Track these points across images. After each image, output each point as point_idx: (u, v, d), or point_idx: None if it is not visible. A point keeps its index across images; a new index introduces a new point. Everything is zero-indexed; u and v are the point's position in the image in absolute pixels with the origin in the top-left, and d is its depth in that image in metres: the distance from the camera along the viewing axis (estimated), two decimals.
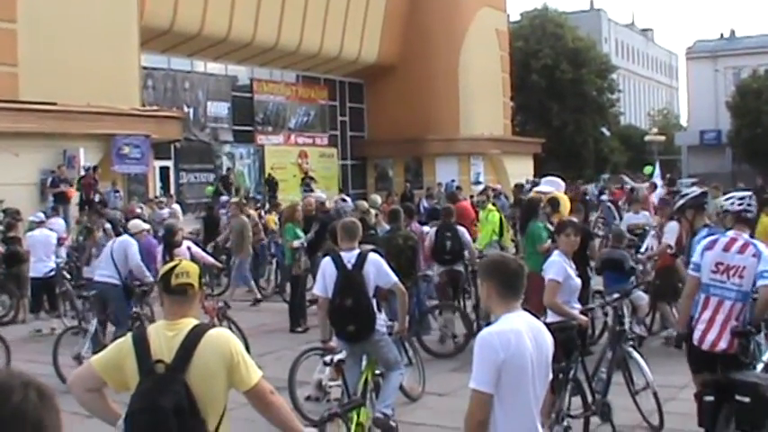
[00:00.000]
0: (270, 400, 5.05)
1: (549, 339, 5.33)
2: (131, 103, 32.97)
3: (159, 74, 38.59)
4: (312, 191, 32.81)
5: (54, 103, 28.70)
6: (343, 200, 23.12)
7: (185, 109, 38.60)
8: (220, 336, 5.04)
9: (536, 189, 16.57)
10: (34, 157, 28.70)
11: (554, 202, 15.04)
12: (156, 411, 4.69)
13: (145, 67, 36.37)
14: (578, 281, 9.86)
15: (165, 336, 4.96)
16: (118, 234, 17.14)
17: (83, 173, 28.84)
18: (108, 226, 20.06)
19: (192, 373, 4.82)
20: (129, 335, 5.17)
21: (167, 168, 37.61)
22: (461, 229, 16.25)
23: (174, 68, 39.63)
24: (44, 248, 18.05)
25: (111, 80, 31.21)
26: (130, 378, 4.92)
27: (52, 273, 17.85)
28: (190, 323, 5.01)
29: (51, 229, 19.43)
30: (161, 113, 34.95)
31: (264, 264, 23.67)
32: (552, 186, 16.04)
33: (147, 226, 17.52)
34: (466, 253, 15.97)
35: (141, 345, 4.94)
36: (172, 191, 35.56)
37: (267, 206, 29.42)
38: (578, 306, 9.85)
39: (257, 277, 22.81)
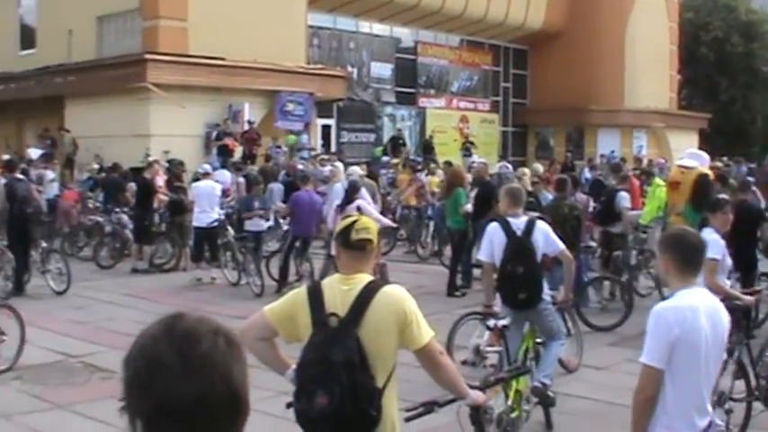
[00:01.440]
0: (439, 360, 5.00)
1: (725, 319, 5.15)
2: (297, 61, 33.28)
3: (325, 33, 38.80)
4: (471, 156, 32.61)
5: (222, 58, 29.19)
6: (506, 167, 22.81)
7: (349, 69, 38.70)
8: (395, 293, 4.96)
9: (679, 163, 16.00)
10: (200, 110, 29.31)
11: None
12: (327, 364, 4.68)
13: (311, 26, 36.60)
14: (729, 260, 9.49)
15: (339, 290, 4.93)
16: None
17: (246, 127, 29.29)
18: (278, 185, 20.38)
19: (364, 329, 4.78)
20: (304, 286, 5.18)
21: (329, 127, 37.80)
22: (623, 194, 16.18)
23: (339, 28, 39.77)
24: (208, 199, 18.32)
25: (277, 37, 31.55)
26: (303, 330, 4.91)
27: (215, 224, 18.11)
28: (365, 278, 4.97)
29: (217, 182, 19.70)
30: (326, 72, 35.05)
31: (422, 226, 23.54)
32: (697, 161, 15.43)
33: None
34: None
35: (315, 297, 4.93)
36: (333, 149, 35.77)
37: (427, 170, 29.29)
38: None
39: (417, 239, 22.78)
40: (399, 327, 4.84)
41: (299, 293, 5.08)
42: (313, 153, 30.72)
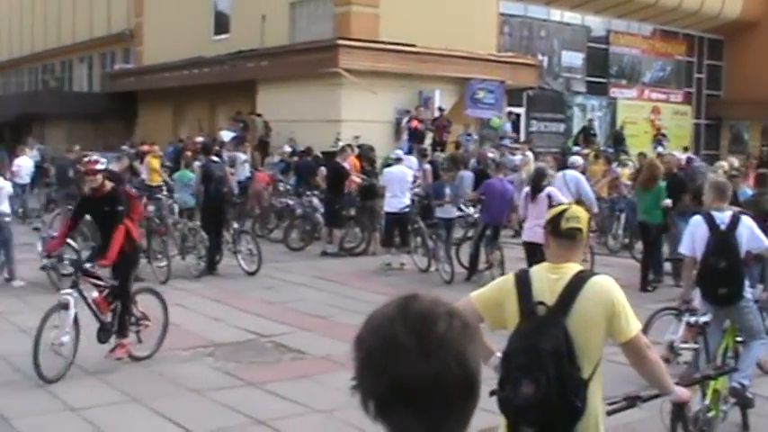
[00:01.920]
0: (645, 354, 4.85)
1: None
2: (487, 49, 33.00)
3: (516, 21, 38.34)
4: (663, 148, 31.72)
5: (412, 45, 29.14)
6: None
7: (540, 57, 38.14)
8: (604, 283, 4.81)
9: None
10: (391, 96, 29.35)
11: None
12: (535, 353, 4.58)
13: (502, 14, 36.28)
14: None
15: (548, 278, 4.84)
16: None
17: (437, 114, 29.21)
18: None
19: (572, 319, 4.67)
20: (512, 274, 5.05)
21: (518, 115, 37.37)
22: None
23: (530, 16, 39.22)
24: (400, 185, 18.27)
25: (468, 25, 31.35)
26: (509, 317, 4.81)
27: (406, 209, 18.04)
28: (574, 268, 4.85)
29: (410, 167, 19.66)
30: (516, 60, 34.59)
31: (613, 218, 22.92)
32: None
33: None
34: None
35: (524, 285, 4.84)
36: (522, 138, 35.33)
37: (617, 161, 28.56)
38: None
39: (608, 230, 22.21)
40: (607, 318, 4.71)
41: (506, 281, 5.00)
42: (510, 142, 30.27)
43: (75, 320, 10.26)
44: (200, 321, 13.21)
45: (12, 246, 16.02)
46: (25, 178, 25.54)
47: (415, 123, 28.23)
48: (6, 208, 16.04)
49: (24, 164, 26.12)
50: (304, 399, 9.47)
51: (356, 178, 20.44)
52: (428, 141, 28.16)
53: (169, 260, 16.30)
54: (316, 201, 20.79)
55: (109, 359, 10.62)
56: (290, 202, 21.83)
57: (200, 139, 24.91)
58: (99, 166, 10.84)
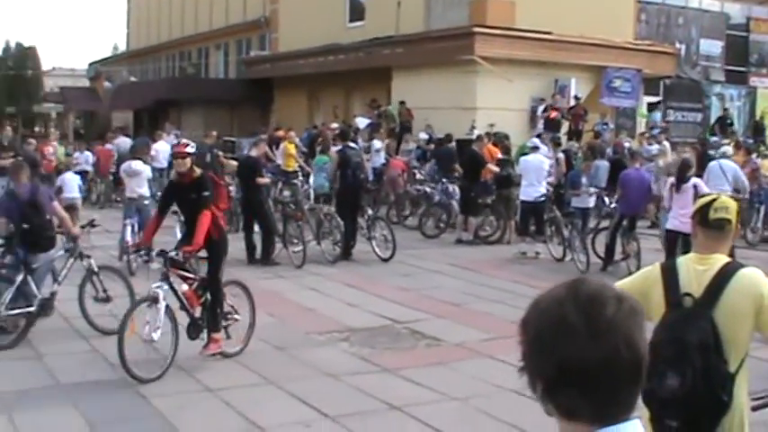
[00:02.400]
0: None
1: None
2: (624, 36, 32.45)
3: (653, 8, 37.60)
4: None
5: (549, 33, 28.80)
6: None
7: (677, 45, 37.31)
8: (753, 276, 4.66)
9: None
10: (526, 84, 29.05)
11: None
12: (681, 345, 4.50)
13: (639, 1, 35.70)
14: None
15: (695, 269, 4.72)
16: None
17: (573, 103, 28.84)
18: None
19: (719, 311, 4.54)
20: (658, 264, 4.96)
21: (657, 103, 36.61)
22: None
23: (668, 3, 38.40)
24: (536, 174, 18.09)
25: (604, 12, 30.93)
26: (654, 308, 4.69)
27: (542, 198, 17.84)
28: (721, 259, 4.73)
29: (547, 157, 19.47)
30: (653, 48, 33.86)
31: (752, 210, 22.27)
32: None
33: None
34: None
35: (670, 276, 4.75)
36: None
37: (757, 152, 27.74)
38: None
39: (746, 223, 21.59)
40: (756, 311, 4.56)
41: (652, 271, 4.90)
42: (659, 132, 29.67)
43: (172, 316, 10.00)
44: (335, 306, 13.27)
45: None
46: (163, 162, 26.06)
47: (553, 113, 27.91)
48: (146, 191, 16.40)
49: (162, 148, 26.65)
50: (439, 385, 9.41)
51: (492, 166, 20.27)
52: (564, 130, 27.80)
53: (305, 245, 16.41)
54: (453, 188, 20.68)
55: (203, 356, 10.26)
56: (427, 190, 21.80)
57: (334, 125, 24.99)
58: (189, 149, 10.49)
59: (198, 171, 10.60)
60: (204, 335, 10.42)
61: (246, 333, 10.88)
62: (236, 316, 10.83)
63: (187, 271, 10.62)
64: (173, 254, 10.32)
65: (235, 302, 10.92)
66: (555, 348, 2.08)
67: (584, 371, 2.05)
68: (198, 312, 10.49)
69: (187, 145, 10.64)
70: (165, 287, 10.10)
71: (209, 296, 10.52)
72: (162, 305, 9.80)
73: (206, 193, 10.35)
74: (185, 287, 10.47)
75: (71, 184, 20.38)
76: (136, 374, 9.37)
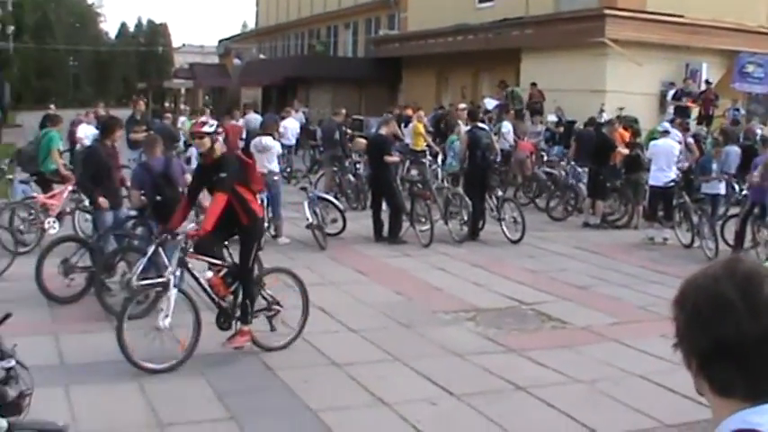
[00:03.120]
0: None
1: None
2: (758, 20, 31.65)
3: None
4: None
5: (680, 16, 28.29)
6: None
7: None
8: None
9: None
10: (656, 68, 28.69)
11: None
12: None
13: None
14: None
15: None
16: None
17: (704, 87, 28.28)
18: None
19: None
20: None
21: None
22: None
23: None
24: (666, 158, 17.77)
25: None
26: None
27: (672, 183, 17.54)
28: None
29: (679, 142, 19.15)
30: None
31: None
32: None
33: None
34: None
35: None
36: None
37: None
38: None
39: None
40: None
41: None
42: None
43: (193, 306, 9.56)
44: (461, 286, 13.31)
45: (279, 203, 16.60)
46: (291, 139, 26.44)
47: (689, 102, 27.41)
48: (275, 167, 16.64)
49: (290, 125, 27.03)
50: (564, 368, 9.38)
51: (623, 149, 20.00)
52: (693, 116, 27.28)
53: (432, 224, 16.45)
54: (581, 171, 20.48)
55: (227, 347, 9.80)
56: (555, 172, 21.65)
57: (462, 106, 24.97)
58: (206, 129, 9.77)
59: (219, 151, 9.91)
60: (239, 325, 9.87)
61: (299, 323, 10.22)
62: (277, 307, 10.14)
63: (214, 257, 9.93)
64: (180, 238, 9.67)
65: (281, 292, 10.34)
66: (712, 324, 2.10)
67: (741, 346, 2.07)
68: (228, 301, 9.90)
69: (204, 123, 10.06)
70: (179, 273, 9.60)
71: (240, 286, 9.92)
72: (172, 292, 9.42)
73: (222, 175, 9.60)
74: (210, 274, 9.87)
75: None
76: (138, 363, 9.00)
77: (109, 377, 8.89)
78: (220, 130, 10.32)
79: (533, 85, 30.27)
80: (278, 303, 10.13)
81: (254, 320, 9.85)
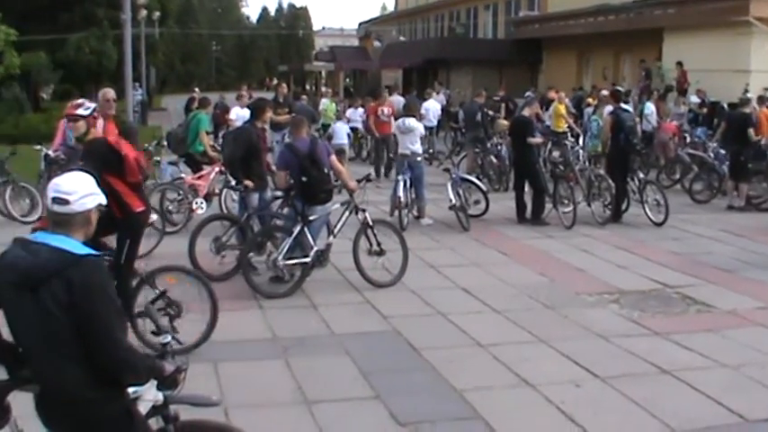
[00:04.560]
0: None
1: None
2: None
3: None
4: None
5: None
6: None
7: None
8: None
9: None
10: None
11: None
12: None
13: None
14: None
15: None
16: None
17: None
18: None
19: None
20: None
21: None
22: None
23: None
24: None
25: None
26: None
27: None
28: None
29: None
30: None
31: None
32: None
33: None
34: None
35: None
36: None
37: None
38: None
39: None
40: None
41: None
42: None
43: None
44: (605, 268, 13.24)
45: (422, 184, 16.75)
46: (432, 121, 26.55)
47: None
48: (419, 148, 16.77)
49: (431, 107, 27.16)
50: (709, 352, 9.29)
51: None
52: None
53: (575, 206, 16.37)
54: (723, 153, 20.04)
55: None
56: (699, 154, 21.25)
57: (604, 92, 24.68)
58: (81, 111, 9.25)
59: (94, 135, 9.22)
60: None
61: (201, 332, 9.07)
62: (169, 310, 8.89)
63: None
64: None
65: (181, 294, 9.09)
66: None
67: None
68: None
69: (79, 106, 9.57)
70: None
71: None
72: None
73: (80, 163, 9.05)
74: None
75: (341, 132, 22.86)
76: None
77: (256, 354, 9.21)
78: (96, 114, 9.95)
79: (679, 64, 29.71)
80: (178, 306, 8.96)
81: (143, 320, 8.45)
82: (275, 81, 48.24)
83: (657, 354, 9.18)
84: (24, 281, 4.19)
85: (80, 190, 4.39)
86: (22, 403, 4.67)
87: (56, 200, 4.31)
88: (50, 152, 16.94)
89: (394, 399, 7.85)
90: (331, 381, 8.38)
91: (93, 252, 4.32)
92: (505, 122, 22.08)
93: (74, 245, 4.26)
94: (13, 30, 31.51)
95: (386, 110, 23.46)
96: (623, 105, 17.94)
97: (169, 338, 4.84)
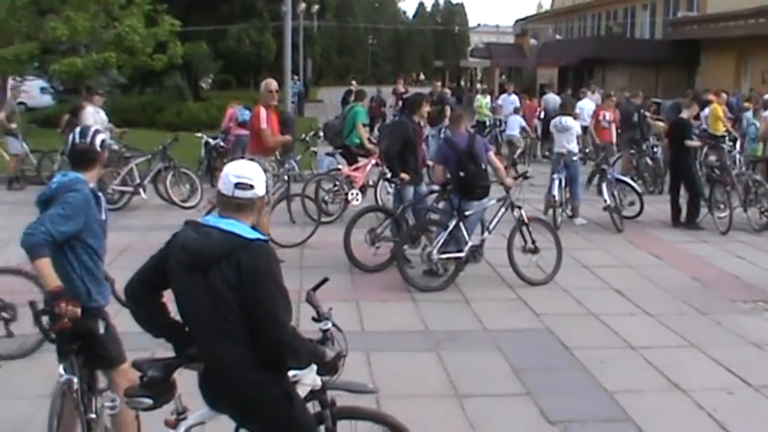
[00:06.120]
0: None
1: None
2: None
3: None
4: None
5: None
6: None
7: None
8: None
9: None
10: None
11: None
12: None
13: None
14: None
15: None
16: None
17: None
18: None
19: None
20: None
21: None
22: None
23: None
24: None
25: None
26: None
27: None
28: None
29: None
30: None
31: None
32: None
33: None
34: None
35: None
36: None
37: None
38: None
39: None
40: None
41: None
42: None
43: None
44: (761, 275, 12.93)
45: (578, 184, 16.69)
46: (587, 120, 26.30)
47: None
48: (574, 147, 16.69)
49: (586, 106, 26.88)
50: None
51: None
52: None
53: (731, 211, 16.06)
54: None
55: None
56: None
57: (766, 96, 23.97)
58: None
59: None
60: None
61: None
62: (4, 314, 8.41)
63: None
64: None
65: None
66: None
67: None
68: None
69: None
70: None
71: None
72: None
73: None
74: None
75: (513, 123, 24.61)
76: None
77: (408, 346, 9.36)
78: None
79: None
80: (12, 308, 8.38)
81: None
82: (422, 76, 48.51)
83: None
84: (196, 262, 4.40)
85: (260, 177, 4.60)
86: (187, 381, 4.86)
87: (239, 185, 4.52)
88: (210, 140, 17.49)
89: (544, 397, 7.90)
90: (482, 376, 8.47)
91: (262, 236, 4.51)
92: (661, 124, 21.77)
93: (244, 229, 4.46)
94: (177, 21, 32.40)
95: (608, 114, 21.61)
96: None
97: (329, 324, 4.97)
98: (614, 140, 20.35)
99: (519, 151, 23.86)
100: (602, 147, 20.39)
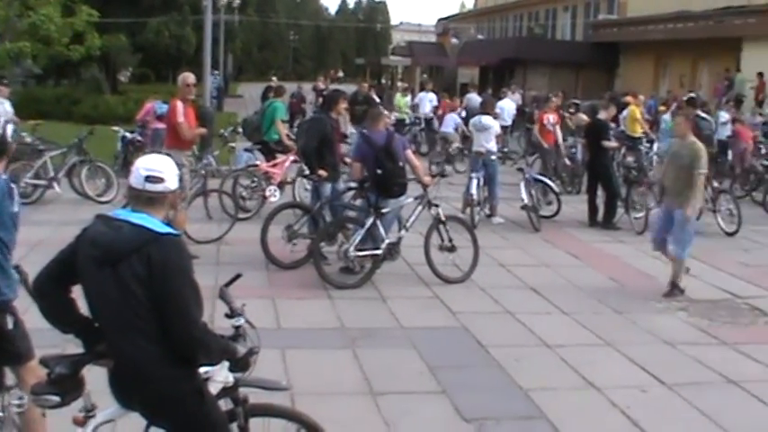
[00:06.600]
0: None
1: None
2: None
3: None
4: None
5: None
6: None
7: None
8: None
9: None
10: None
11: None
12: None
13: None
14: None
15: None
16: None
17: None
18: None
19: None
20: None
21: None
22: None
23: None
24: None
25: None
26: None
27: None
28: None
29: None
30: None
31: None
32: None
33: None
34: None
35: None
36: None
37: None
38: None
39: None
40: None
41: None
42: None
43: None
44: None
45: (496, 183, 16.77)
46: (507, 120, 26.54)
47: None
48: (493, 146, 16.78)
49: (506, 106, 27.16)
50: None
51: None
52: None
53: (647, 211, 16.23)
54: None
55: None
56: None
57: (689, 96, 24.35)
58: None
59: None
60: None
61: None
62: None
63: None
64: None
65: None
66: None
67: None
68: None
69: None
70: None
71: None
72: None
73: None
74: None
75: (449, 120, 24.50)
76: None
77: (323, 343, 9.33)
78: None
79: (760, 75, 29.34)
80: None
81: None
82: (341, 73, 48.53)
83: (725, 363, 9.13)
84: (105, 256, 4.30)
85: (171, 170, 4.52)
86: (96, 378, 4.76)
87: (150, 178, 4.43)
88: (127, 134, 17.21)
89: (459, 394, 7.91)
90: (397, 373, 8.47)
91: (173, 231, 4.43)
92: (583, 116, 22.01)
93: (155, 223, 4.38)
94: (95, 11, 31.98)
95: (551, 117, 20.85)
96: (701, 113, 17.77)
97: (242, 321, 4.91)
98: (561, 142, 20.35)
99: (455, 145, 23.84)
100: (547, 150, 20.38)
